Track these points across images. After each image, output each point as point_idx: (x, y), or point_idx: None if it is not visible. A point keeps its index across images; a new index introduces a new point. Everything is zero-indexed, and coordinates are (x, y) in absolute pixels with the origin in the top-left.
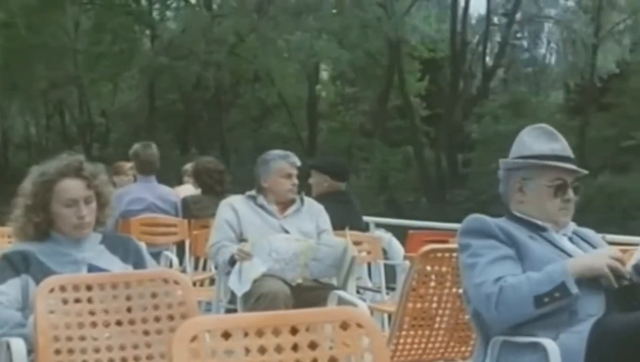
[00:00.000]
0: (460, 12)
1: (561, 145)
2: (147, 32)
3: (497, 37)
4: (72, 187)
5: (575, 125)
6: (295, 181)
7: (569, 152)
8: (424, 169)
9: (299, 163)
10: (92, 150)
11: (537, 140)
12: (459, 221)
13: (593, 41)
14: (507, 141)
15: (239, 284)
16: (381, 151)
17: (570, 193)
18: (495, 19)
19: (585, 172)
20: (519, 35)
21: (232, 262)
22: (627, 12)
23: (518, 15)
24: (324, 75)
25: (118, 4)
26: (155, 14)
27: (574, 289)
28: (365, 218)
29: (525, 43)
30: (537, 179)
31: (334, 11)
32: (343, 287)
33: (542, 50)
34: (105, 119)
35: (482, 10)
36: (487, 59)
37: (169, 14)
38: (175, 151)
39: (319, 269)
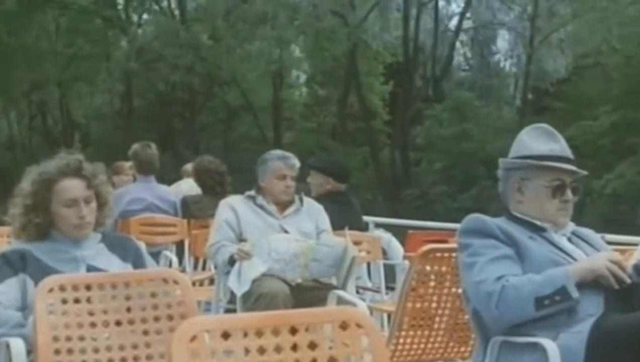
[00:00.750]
0: (413, 17)
1: (560, 146)
2: (122, 36)
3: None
4: (72, 186)
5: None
6: (290, 183)
7: (568, 153)
8: (380, 168)
9: (298, 165)
10: (73, 149)
11: (536, 140)
12: (410, 217)
13: (529, 51)
14: (449, 143)
15: (239, 283)
16: (342, 152)
17: (569, 194)
18: (452, 25)
19: (584, 172)
20: (472, 40)
21: (231, 262)
22: (567, 19)
23: (470, 22)
24: (302, 77)
25: (92, 8)
26: (128, 18)
27: (575, 294)
28: (365, 218)
29: (478, 49)
30: (535, 180)
31: (296, 22)
32: (343, 287)
33: (497, 56)
34: (86, 119)
35: (441, 16)
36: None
37: (145, 17)
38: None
39: (319, 270)
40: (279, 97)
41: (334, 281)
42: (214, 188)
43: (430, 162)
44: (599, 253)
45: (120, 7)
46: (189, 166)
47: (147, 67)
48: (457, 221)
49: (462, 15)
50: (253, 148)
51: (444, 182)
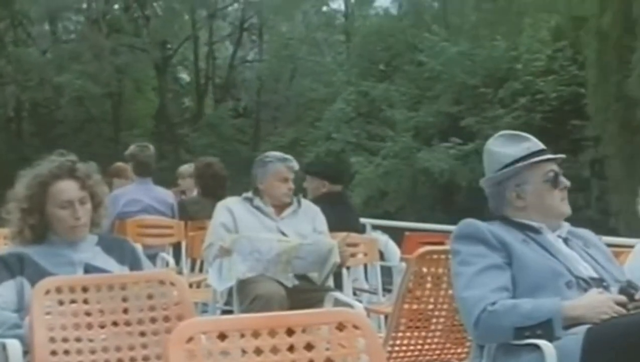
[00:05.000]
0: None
1: (532, 142)
2: None
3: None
4: (67, 188)
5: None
6: (291, 185)
7: (542, 144)
8: None
9: (297, 167)
10: None
11: (509, 146)
12: None
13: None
14: (201, 151)
15: (219, 280)
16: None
17: (565, 180)
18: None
19: (563, 156)
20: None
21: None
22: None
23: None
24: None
25: None
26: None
27: (559, 332)
28: (362, 220)
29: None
30: (531, 180)
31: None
32: (322, 284)
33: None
34: None
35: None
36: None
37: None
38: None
39: (302, 265)
40: (118, 111)
41: (315, 275)
42: (216, 191)
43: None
44: (602, 299)
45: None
46: (187, 167)
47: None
48: None
49: (234, 51)
50: (96, 152)
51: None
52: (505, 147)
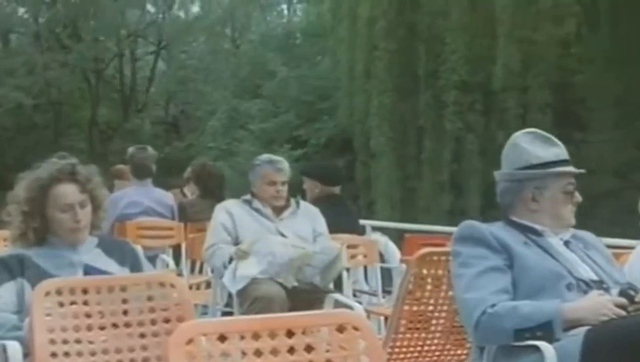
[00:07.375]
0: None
1: (561, 149)
2: None
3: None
4: (67, 192)
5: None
6: (281, 187)
7: (567, 154)
8: None
9: (287, 168)
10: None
11: (539, 146)
12: None
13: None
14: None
15: (233, 281)
16: None
17: (579, 196)
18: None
19: (584, 171)
20: None
21: (231, 262)
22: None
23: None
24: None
25: None
26: None
27: (559, 334)
28: (362, 221)
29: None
30: (552, 187)
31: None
32: (325, 286)
33: None
34: None
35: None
36: None
37: None
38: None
39: (312, 273)
40: (59, 119)
41: (317, 279)
42: (214, 191)
43: None
44: (602, 301)
45: None
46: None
47: None
48: None
49: (153, 67)
50: (44, 155)
51: None
52: (534, 146)
